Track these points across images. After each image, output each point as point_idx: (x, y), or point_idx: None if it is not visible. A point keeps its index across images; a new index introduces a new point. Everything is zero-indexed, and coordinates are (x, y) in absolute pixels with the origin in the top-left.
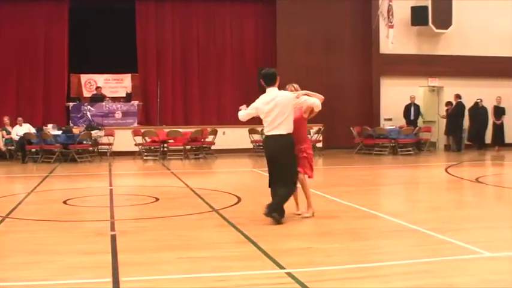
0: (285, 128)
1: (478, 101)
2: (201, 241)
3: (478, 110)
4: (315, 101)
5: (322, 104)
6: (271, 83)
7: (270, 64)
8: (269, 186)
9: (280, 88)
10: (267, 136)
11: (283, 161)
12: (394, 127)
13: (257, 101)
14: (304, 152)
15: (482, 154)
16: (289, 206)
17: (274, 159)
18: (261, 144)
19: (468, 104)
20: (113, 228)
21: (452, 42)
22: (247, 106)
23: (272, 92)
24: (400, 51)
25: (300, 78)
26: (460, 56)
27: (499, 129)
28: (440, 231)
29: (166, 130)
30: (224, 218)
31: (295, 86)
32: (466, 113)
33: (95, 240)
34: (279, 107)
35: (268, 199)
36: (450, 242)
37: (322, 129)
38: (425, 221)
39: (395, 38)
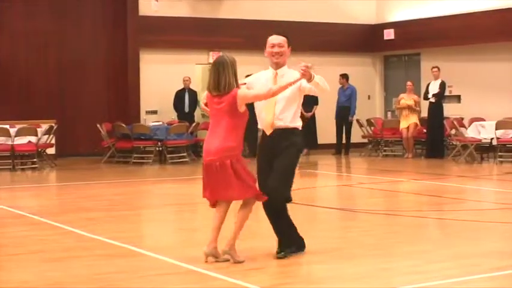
0: None
1: None
2: None
3: None
4: None
5: (48, 90)
6: None
7: None
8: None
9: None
10: None
11: None
12: (160, 123)
13: None
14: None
15: None
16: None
17: None
18: None
19: None
20: None
21: (244, 2)
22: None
23: None
24: (168, 13)
25: (16, 51)
26: (255, 21)
27: (309, 125)
28: (228, 273)
29: None
30: None
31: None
32: None
33: None
34: None
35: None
36: None
37: (54, 127)
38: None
39: None
